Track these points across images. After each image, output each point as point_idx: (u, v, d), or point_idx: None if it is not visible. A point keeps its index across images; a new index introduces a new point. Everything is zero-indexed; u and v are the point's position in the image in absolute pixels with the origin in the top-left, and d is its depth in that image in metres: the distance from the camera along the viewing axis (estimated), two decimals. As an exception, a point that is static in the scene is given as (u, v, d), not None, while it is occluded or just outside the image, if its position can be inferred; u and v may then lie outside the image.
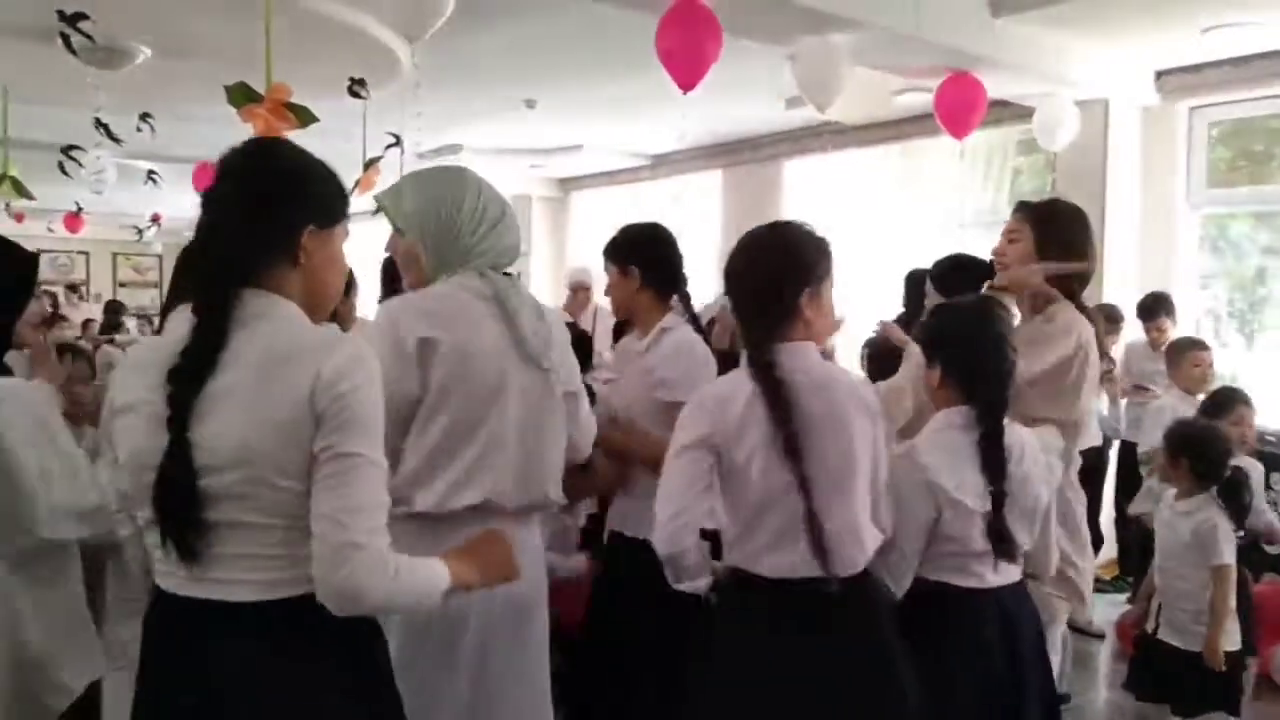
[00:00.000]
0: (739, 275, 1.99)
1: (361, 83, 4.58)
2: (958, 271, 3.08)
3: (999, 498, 2.00)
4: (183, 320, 1.47)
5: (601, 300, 6.78)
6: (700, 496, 1.85)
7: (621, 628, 2.46)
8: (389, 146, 4.81)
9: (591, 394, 3.85)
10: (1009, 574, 2.09)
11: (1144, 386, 5.28)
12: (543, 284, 10.22)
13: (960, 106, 5.18)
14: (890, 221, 7.49)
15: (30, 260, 2.14)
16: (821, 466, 1.84)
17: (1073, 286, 2.43)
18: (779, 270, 1.94)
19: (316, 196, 1.56)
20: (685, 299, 2.68)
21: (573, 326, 4.95)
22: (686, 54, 4.11)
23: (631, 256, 2.62)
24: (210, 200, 1.53)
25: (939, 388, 2.12)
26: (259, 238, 1.49)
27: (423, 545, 1.57)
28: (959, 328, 2.15)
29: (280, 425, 1.39)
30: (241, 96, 3.94)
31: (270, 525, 1.42)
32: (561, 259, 10.60)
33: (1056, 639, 2.40)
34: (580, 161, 9.55)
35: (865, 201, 7.75)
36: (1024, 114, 5.97)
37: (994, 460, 2.01)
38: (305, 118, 3.96)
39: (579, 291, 6.72)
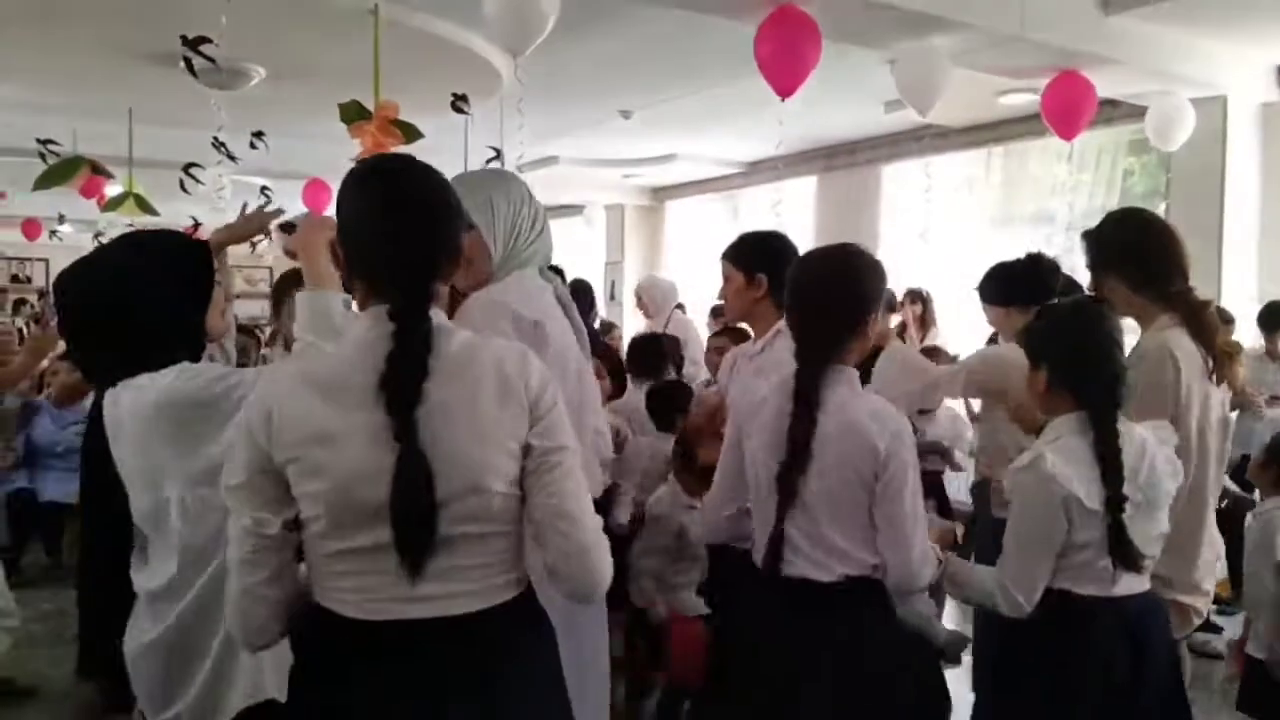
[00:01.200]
0: (805, 292, 2.02)
1: (464, 98, 4.68)
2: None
3: (1118, 503, 1.95)
4: (355, 334, 1.44)
5: (678, 311, 6.88)
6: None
7: None
8: (490, 160, 4.90)
9: (688, 395, 3.90)
10: (1136, 583, 2.04)
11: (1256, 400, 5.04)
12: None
13: (1069, 106, 5.03)
14: (991, 225, 7.31)
15: (204, 246, 2.09)
16: (810, 482, 1.89)
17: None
18: (849, 298, 1.99)
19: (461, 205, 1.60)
20: None
21: (656, 336, 5.01)
22: (785, 60, 4.10)
23: (761, 264, 2.60)
24: (399, 204, 1.47)
25: (1045, 392, 2.07)
26: (446, 241, 1.50)
27: None
28: (1066, 330, 2.10)
29: (501, 431, 1.41)
30: (354, 113, 4.08)
31: (489, 534, 1.43)
32: (655, 267, 10.64)
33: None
34: (674, 170, 9.58)
35: (965, 205, 7.59)
36: (1136, 113, 5.77)
37: (1113, 466, 1.96)
38: (411, 134, 4.08)
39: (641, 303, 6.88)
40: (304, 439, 1.37)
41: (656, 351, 4.52)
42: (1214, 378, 2.28)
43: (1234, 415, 5.08)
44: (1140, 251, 2.36)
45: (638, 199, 10.88)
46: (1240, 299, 5.52)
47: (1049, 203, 6.98)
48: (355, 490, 1.36)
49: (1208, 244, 5.80)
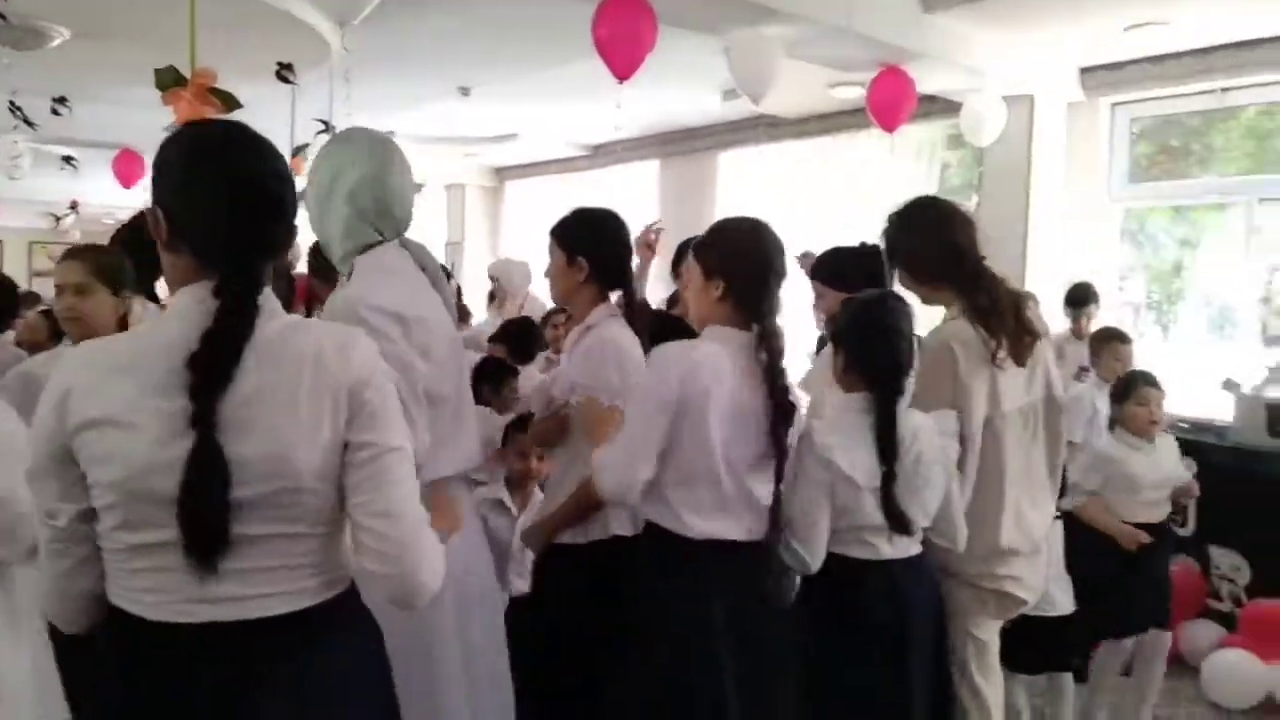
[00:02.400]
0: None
1: (289, 67, 4.48)
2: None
3: (890, 476, 2.15)
4: (171, 311, 1.33)
5: (533, 289, 6.82)
6: None
7: None
8: (319, 133, 4.72)
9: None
10: (905, 548, 2.23)
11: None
12: (478, 273, 10.14)
13: (891, 100, 5.26)
14: (824, 214, 7.58)
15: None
16: None
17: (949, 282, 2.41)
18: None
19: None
20: (629, 294, 2.59)
21: (515, 321, 4.96)
22: (622, 43, 4.11)
23: (583, 247, 2.49)
24: (237, 175, 1.36)
25: (844, 374, 2.25)
26: (284, 217, 1.41)
27: None
28: (859, 319, 2.26)
29: (317, 425, 1.32)
30: (170, 79, 3.84)
31: (300, 534, 1.34)
32: (496, 248, 10.52)
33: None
34: (516, 150, 9.49)
35: (799, 194, 7.84)
36: (953, 109, 6.09)
37: (886, 443, 2.15)
38: (230, 103, 3.87)
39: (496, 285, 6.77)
40: (95, 420, 1.26)
41: (531, 335, 4.50)
42: (1004, 363, 2.31)
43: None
44: (926, 244, 2.43)
45: (479, 178, 10.72)
46: (1046, 287, 5.93)
47: (876, 192, 7.28)
48: (148, 480, 1.26)
49: (1015, 234, 6.21)
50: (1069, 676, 3.26)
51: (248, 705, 1.31)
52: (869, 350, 2.21)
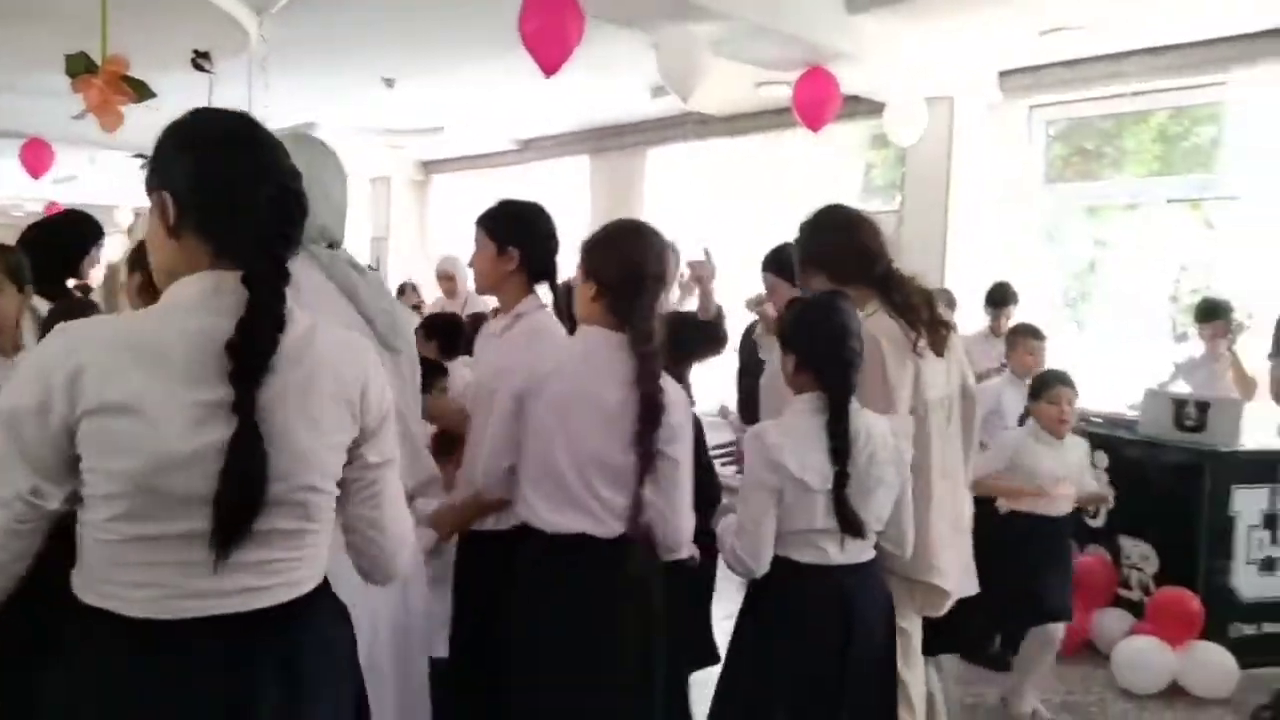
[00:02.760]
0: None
1: (206, 55, 4.36)
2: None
3: (842, 478, 2.11)
4: (186, 299, 1.30)
5: (473, 287, 6.72)
6: None
7: None
8: (237, 123, 4.60)
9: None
10: (856, 553, 2.18)
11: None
12: (403, 268, 10.01)
13: (815, 100, 5.33)
14: (752, 211, 7.64)
15: None
16: None
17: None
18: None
19: None
20: (556, 287, 2.60)
21: (442, 315, 4.88)
22: (549, 37, 4.09)
23: (513, 236, 2.49)
24: (270, 165, 1.36)
25: (795, 375, 2.22)
26: (305, 210, 1.40)
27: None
28: (809, 319, 2.25)
29: (333, 428, 1.36)
30: (80, 66, 3.72)
31: (307, 530, 1.36)
32: (423, 243, 10.40)
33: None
34: (443, 143, 9.38)
35: (727, 191, 7.89)
36: (877, 109, 6.19)
37: (839, 443, 2.12)
38: (143, 92, 3.76)
39: (445, 280, 6.63)
40: (113, 405, 1.22)
41: (460, 330, 4.42)
42: (924, 353, 2.39)
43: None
44: (835, 247, 2.49)
45: (405, 171, 10.57)
46: (966, 285, 6.07)
47: (802, 191, 7.36)
48: (166, 472, 1.23)
49: (936, 233, 6.36)
50: (947, 659, 3.33)
51: (245, 694, 1.30)
52: (819, 350, 2.19)
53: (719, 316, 3.41)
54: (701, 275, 3.44)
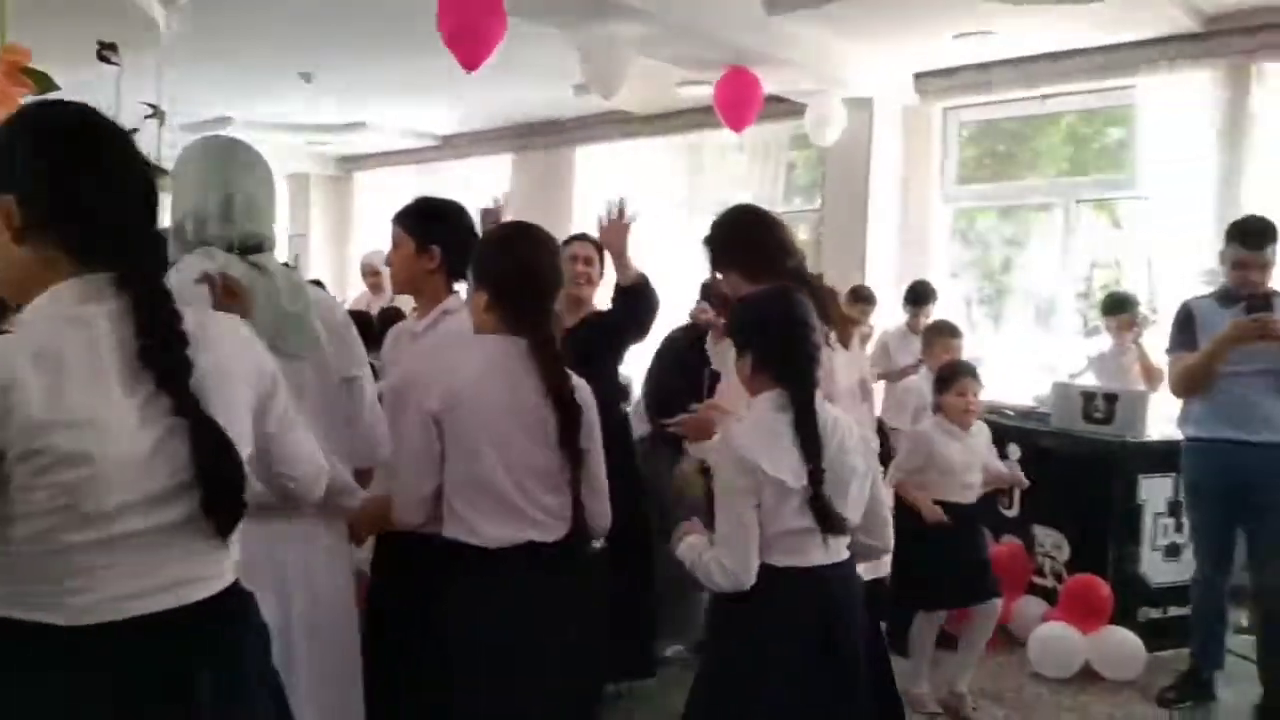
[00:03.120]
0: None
1: (112, 47, 4.20)
2: None
3: (817, 474, 2.03)
4: (61, 310, 1.24)
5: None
6: None
7: None
8: (147, 118, 4.44)
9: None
10: (837, 552, 2.13)
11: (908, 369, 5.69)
12: (322, 267, 9.82)
13: (737, 100, 5.38)
14: (677, 210, 7.68)
15: None
16: None
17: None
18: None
19: None
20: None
21: (356, 315, 4.79)
22: (470, 34, 4.05)
23: (434, 234, 2.45)
24: (128, 158, 1.32)
25: (753, 375, 2.15)
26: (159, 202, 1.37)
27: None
28: (764, 315, 2.19)
29: (245, 409, 1.39)
30: (-28, 57, 3.54)
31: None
32: (343, 241, 10.22)
33: None
34: (363, 140, 9.23)
35: (654, 190, 7.91)
36: (798, 110, 6.27)
37: (809, 438, 2.05)
38: (44, 84, 3.60)
39: (370, 276, 6.53)
40: (54, 424, 1.18)
41: (368, 329, 4.32)
42: (835, 344, 2.46)
43: (882, 385, 5.77)
44: (747, 243, 2.54)
45: (324, 168, 10.37)
46: (883, 281, 6.19)
47: (726, 191, 7.42)
48: (124, 475, 1.22)
49: (856, 232, 6.47)
50: None
51: (184, 690, 1.28)
52: (779, 347, 2.12)
53: (642, 281, 3.25)
54: (609, 240, 3.24)
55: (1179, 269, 5.38)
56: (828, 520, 2.04)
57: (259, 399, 1.43)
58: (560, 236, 2.65)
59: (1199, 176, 5.39)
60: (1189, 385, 3.64)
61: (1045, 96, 6.16)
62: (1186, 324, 3.64)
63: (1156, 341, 4.57)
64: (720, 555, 2.05)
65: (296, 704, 1.88)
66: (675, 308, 4.04)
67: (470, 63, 4.06)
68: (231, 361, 1.37)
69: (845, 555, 2.15)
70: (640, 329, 3.31)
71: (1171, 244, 5.53)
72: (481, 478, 1.98)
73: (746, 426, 2.11)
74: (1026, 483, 4.03)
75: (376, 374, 2.38)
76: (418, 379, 2.06)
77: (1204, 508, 3.71)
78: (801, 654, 2.05)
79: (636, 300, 3.19)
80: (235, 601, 1.38)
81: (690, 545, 2.16)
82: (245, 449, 1.36)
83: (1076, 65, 5.80)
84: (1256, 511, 3.52)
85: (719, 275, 2.58)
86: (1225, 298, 3.57)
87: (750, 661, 2.06)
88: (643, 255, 3.51)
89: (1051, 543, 4.57)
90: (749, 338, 2.17)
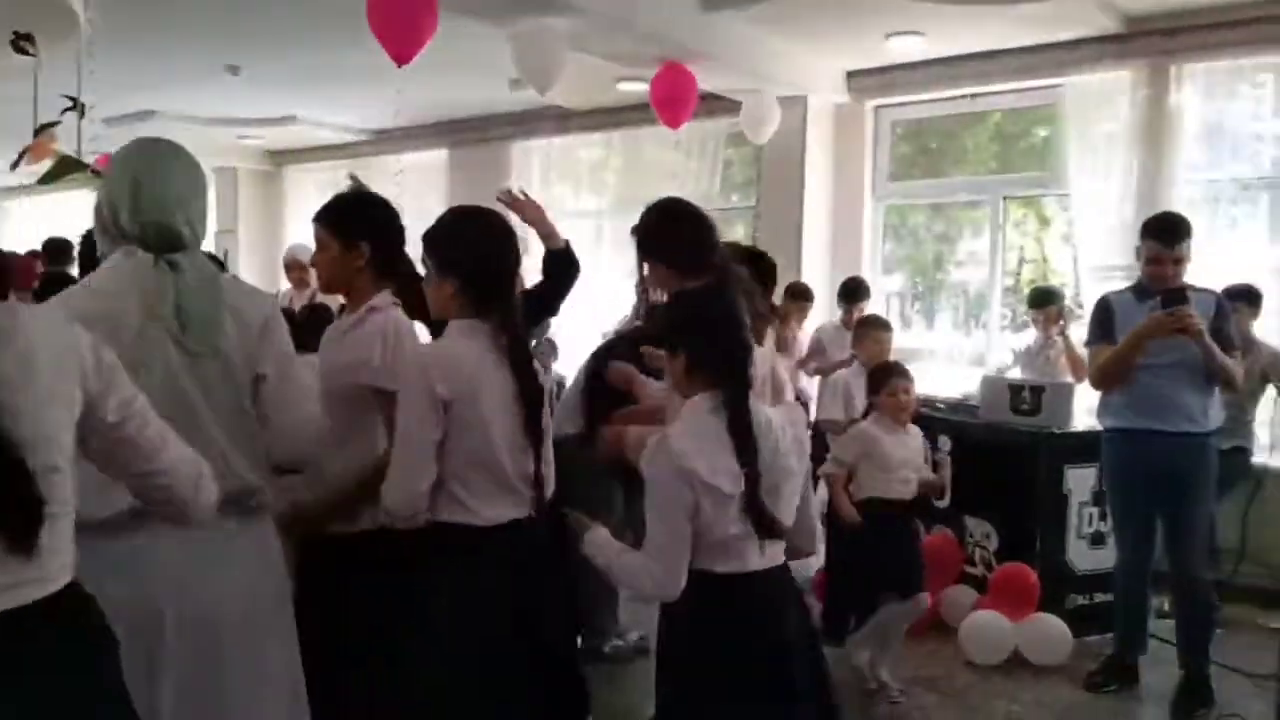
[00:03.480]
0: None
1: (28, 38, 4.07)
2: None
3: (754, 478, 1.98)
4: None
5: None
6: None
7: None
8: (66, 110, 4.30)
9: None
10: (774, 557, 2.08)
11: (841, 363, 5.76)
12: (252, 263, 9.62)
13: (673, 97, 5.40)
14: (614, 207, 7.68)
15: None
16: None
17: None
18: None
19: None
20: (409, 280, 2.52)
21: (325, 306, 4.67)
22: (400, 26, 4.00)
23: (359, 231, 2.40)
24: None
25: (687, 376, 2.08)
26: None
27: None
28: (700, 314, 2.14)
29: (62, 404, 1.35)
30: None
31: (60, 514, 1.35)
32: (274, 237, 10.02)
33: None
34: (294, 134, 9.05)
35: (591, 186, 7.91)
36: (733, 108, 6.31)
37: (744, 441, 1.99)
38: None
39: (295, 270, 6.38)
40: None
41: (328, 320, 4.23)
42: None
43: (815, 380, 5.84)
44: (675, 237, 2.55)
45: (254, 162, 10.16)
46: (818, 278, 6.26)
47: (663, 187, 7.42)
48: None
49: (791, 229, 6.53)
50: None
51: (28, 690, 1.29)
52: (717, 346, 2.06)
53: (568, 246, 3.17)
54: (532, 216, 3.11)
55: (1103, 264, 5.52)
56: (764, 525, 1.99)
57: (86, 391, 1.40)
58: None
59: (1121, 174, 5.54)
60: (1107, 378, 3.74)
61: (974, 95, 6.29)
62: (1104, 318, 3.74)
63: (1082, 334, 4.70)
64: (650, 565, 2.00)
65: (226, 710, 1.85)
66: (614, 305, 4.04)
67: (401, 56, 4.01)
68: (41, 355, 1.34)
69: (782, 558, 2.10)
70: (564, 296, 3.27)
71: (1095, 240, 5.69)
72: (484, 455, 2.05)
73: (681, 432, 2.01)
74: (945, 483, 4.10)
75: None
76: (423, 370, 2.06)
77: (1123, 496, 3.82)
78: (759, 661, 2.02)
79: (570, 264, 3.15)
80: (61, 606, 1.35)
81: (601, 546, 2.09)
82: (57, 452, 1.34)
83: (1003, 65, 5.93)
84: (1173, 499, 3.63)
85: (645, 266, 2.57)
86: (1141, 292, 3.67)
87: (714, 675, 2.01)
88: (580, 251, 3.49)
89: (982, 533, 4.67)
90: (683, 337, 2.09)
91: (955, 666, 4.14)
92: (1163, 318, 3.45)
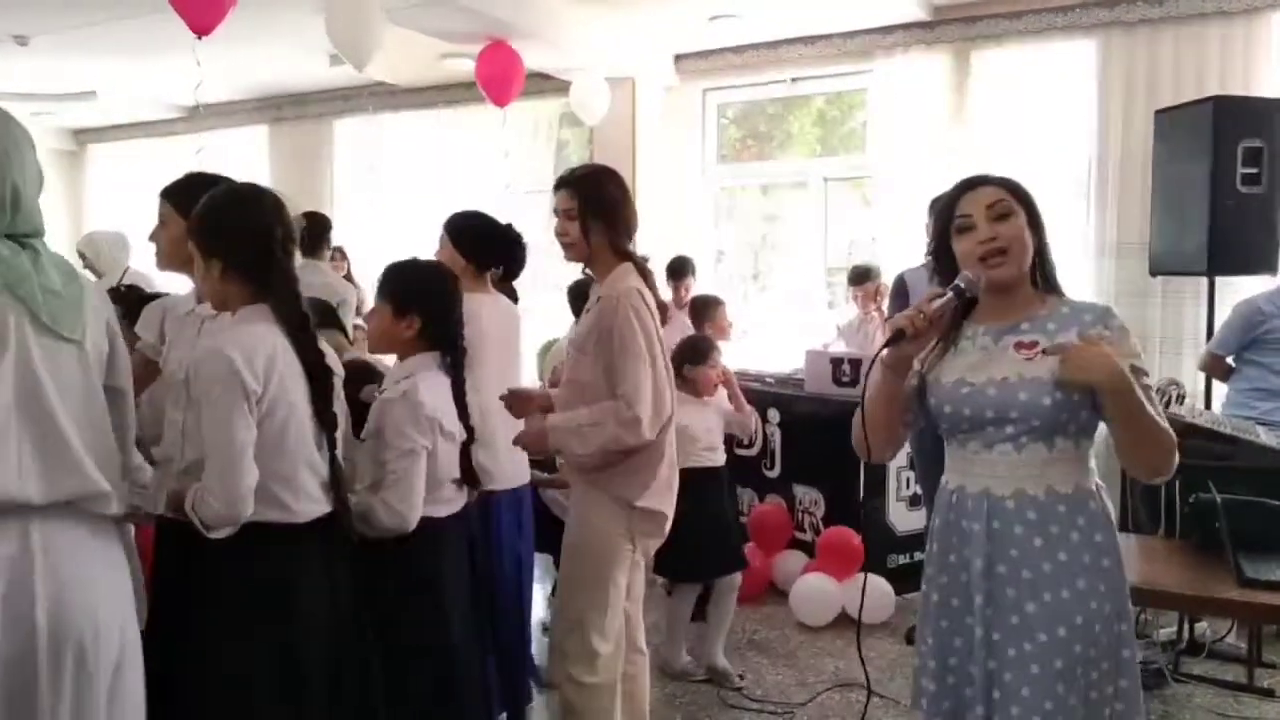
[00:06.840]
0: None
1: None
2: (485, 240, 3.10)
3: (470, 432, 2.39)
4: None
5: (134, 264, 6.05)
6: None
7: None
8: None
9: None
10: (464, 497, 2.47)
11: None
12: (53, 248, 8.91)
13: (498, 75, 5.33)
14: (441, 186, 7.52)
15: None
16: None
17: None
18: None
19: None
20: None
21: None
22: (201, -4, 3.78)
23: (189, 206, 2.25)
24: None
25: (416, 335, 2.36)
26: None
27: None
28: (434, 284, 2.43)
29: None
30: None
31: None
32: (78, 221, 9.34)
33: None
34: (98, 110, 8.45)
35: (417, 164, 7.72)
36: (565, 88, 6.28)
37: (464, 399, 2.39)
38: None
39: (81, 259, 5.95)
40: None
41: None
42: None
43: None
44: (622, 206, 2.66)
45: (53, 141, 9.42)
46: (653, 259, 6.29)
47: (492, 166, 7.34)
48: None
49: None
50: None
51: None
52: (447, 312, 2.40)
53: None
54: None
55: (914, 243, 5.79)
56: (471, 474, 2.43)
57: None
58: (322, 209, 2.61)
59: (927, 156, 5.82)
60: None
61: (794, 80, 6.47)
62: (900, 293, 3.98)
63: (898, 310, 4.92)
64: (389, 498, 2.24)
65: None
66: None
67: (201, 27, 3.80)
68: None
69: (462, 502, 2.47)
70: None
71: (905, 220, 5.96)
72: (301, 450, 1.98)
73: (419, 385, 2.29)
74: (752, 426, 4.20)
75: None
76: (227, 361, 1.89)
77: (923, 460, 4.04)
78: (463, 594, 2.43)
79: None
80: None
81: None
82: None
83: (821, 50, 6.13)
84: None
85: (572, 216, 2.60)
86: None
87: (424, 610, 2.33)
88: (410, 230, 3.44)
89: (810, 500, 4.85)
90: (417, 301, 2.36)
91: (788, 628, 4.30)
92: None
